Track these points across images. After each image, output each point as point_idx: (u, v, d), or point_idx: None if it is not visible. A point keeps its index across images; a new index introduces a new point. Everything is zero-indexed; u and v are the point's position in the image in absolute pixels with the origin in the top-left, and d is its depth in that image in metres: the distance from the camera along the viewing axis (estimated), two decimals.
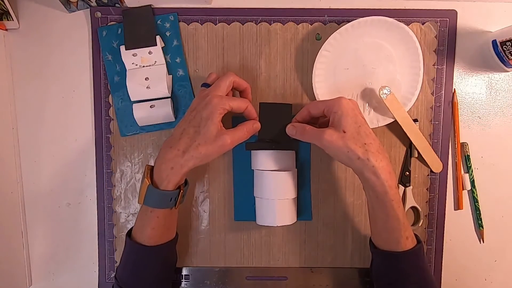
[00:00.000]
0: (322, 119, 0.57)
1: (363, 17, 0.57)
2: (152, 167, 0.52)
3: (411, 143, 0.61)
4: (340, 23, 0.60)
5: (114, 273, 0.57)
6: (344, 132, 0.49)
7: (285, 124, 0.56)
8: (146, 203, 0.51)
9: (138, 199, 0.52)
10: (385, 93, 0.57)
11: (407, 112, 0.60)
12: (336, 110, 0.50)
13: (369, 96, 0.60)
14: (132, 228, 0.55)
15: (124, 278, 0.54)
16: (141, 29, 0.59)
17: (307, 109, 0.54)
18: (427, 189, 0.63)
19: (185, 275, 0.63)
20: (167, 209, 0.52)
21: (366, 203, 0.55)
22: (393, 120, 0.60)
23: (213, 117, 0.50)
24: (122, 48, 0.59)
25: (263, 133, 0.57)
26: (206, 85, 0.55)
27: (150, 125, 0.61)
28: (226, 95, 0.54)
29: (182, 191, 0.53)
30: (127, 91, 0.59)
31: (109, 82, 0.61)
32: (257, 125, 0.55)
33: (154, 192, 0.50)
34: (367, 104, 0.61)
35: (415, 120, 0.61)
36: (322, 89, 0.60)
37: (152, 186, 0.50)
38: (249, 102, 0.55)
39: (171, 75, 0.61)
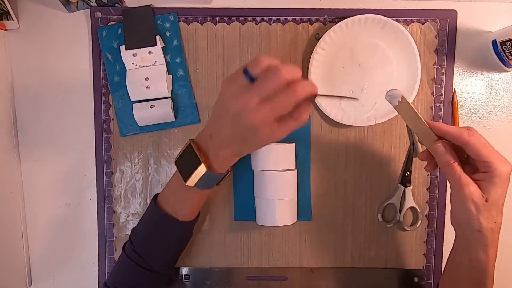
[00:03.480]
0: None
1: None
2: (197, 144, 0.50)
3: (413, 142, 0.61)
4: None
5: (130, 234, 0.56)
6: (486, 201, 0.44)
7: None
8: (197, 186, 0.50)
9: (187, 181, 0.49)
10: (396, 99, 0.48)
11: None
12: (494, 170, 0.44)
13: (366, 94, 0.60)
14: (158, 195, 0.56)
15: (143, 245, 0.54)
16: (141, 29, 0.59)
17: (452, 133, 0.46)
18: (427, 189, 0.63)
19: (185, 275, 0.63)
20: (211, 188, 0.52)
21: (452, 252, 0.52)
22: (391, 118, 0.60)
23: (260, 134, 0.43)
24: (122, 48, 0.59)
25: None
26: (248, 75, 0.41)
27: (150, 125, 0.61)
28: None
29: (230, 171, 0.53)
30: (127, 91, 0.59)
31: (109, 82, 0.61)
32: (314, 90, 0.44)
33: (210, 176, 0.49)
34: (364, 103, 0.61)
35: None
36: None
37: (210, 171, 0.48)
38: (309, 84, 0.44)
39: (171, 75, 0.61)
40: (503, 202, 0.46)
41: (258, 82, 0.41)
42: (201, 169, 0.48)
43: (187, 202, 0.53)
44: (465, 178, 0.45)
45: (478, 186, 0.45)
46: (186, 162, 0.50)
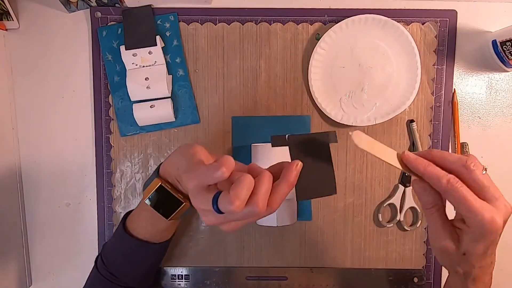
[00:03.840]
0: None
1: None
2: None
3: (413, 142, 0.62)
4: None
5: (99, 254, 0.55)
6: (464, 254, 0.40)
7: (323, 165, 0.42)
8: (179, 218, 0.50)
9: (169, 218, 0.48)
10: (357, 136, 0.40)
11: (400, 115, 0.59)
12: (474, 226, 0.37)
13: (366, 94, 0.60)
14: (126, 216, 0.54)
15: (117, 267, 0.53)
16: (141, 29, 0.59)
17: (431, 172, 0.39)
18: None
19: (185, 275, 0.63)
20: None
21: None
22: (391, 118, 0.60)
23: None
24: (122, 48, 0.59)
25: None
26: (215, 206, 0.37)
27: (150, 125, 0.61)
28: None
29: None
30: (127, 91, 0.59)
31: (109, 82, 0.61)
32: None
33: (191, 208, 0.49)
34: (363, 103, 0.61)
35: (411, 121, 0.61)
36: (319, 87, 0.60)
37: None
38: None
39: (171, 75, 0.61)
40: (494, 247, 0.40)
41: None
42: (184, 207, 0.48)
43: (163, 228, 0.51)
44: (440, 229, 0.40)
45: (458, 235, 0.40)
46: (163, 203, 0.48)
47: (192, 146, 0.45)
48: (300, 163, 0.38)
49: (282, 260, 0.64)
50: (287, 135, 0.41)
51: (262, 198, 0.36)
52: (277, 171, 0.39)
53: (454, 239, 0.40)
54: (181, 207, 0.48)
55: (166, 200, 0.48)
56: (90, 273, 0.55)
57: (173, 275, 0.63)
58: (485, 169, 0.39)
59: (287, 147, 0.43)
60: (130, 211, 0.54)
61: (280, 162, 0.41)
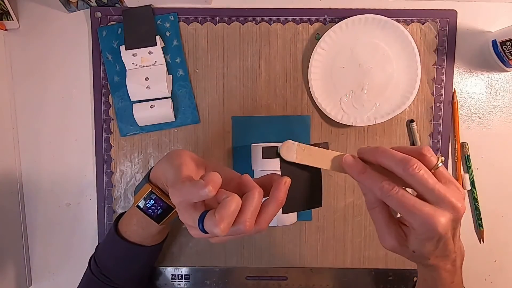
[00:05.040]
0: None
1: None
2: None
3: (413, 142, 0.62)
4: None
5: (93, 255, 0.55)
6: (414, 252, 0.39)
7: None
8: (171, 223, 0.50)
9: (160, 223, 0.49)
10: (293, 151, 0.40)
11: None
12: (419, 231, 0.36)
13: (366, 94, 0.60)
14: (119, 218, 0.54)
15: (111, 270, 0.53)
16: (141, 29, 0.59)
17: (380, 159, 0.38)
18: None
19: (185, 275, 0.63)
20: None
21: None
22: (391, 118, 0.60)
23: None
24: (122, 48, 0.59)
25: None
26: (201, 225, 0.35)
27: (150, 125, 0.61)
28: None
29: None
30: (127, 91, 0.59)
31: (109, 82, 0.61)
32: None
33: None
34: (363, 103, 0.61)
35: (411, 121, 0.61)
36: (319, 87, 0.60)
37: None
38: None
39: (171, 75, 0.61)
40: (451, 240, 0.38)
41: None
42: (175, 213, 0.47)
43: (155, 232, 0.51)
44: (385, 229, 0.39)
45: (406, 234, 0.39)
46: (154, 208, 0.48)
47: (180, 155, 0.42)
48: (288, 180, 0.38)
49: (282, 260, 0.64)
50: (278, 147, 0.40)
51: (250, 217, 0.35)
52: (266, 185, 0.38)
53: (400, 238, 0.39)
54: (172, 212, 0.48)
55: (157, 205, 0.47)
56: (84, 273, 0.55)
57: (173, 275, 0.63)
58: (442, 161, 0.37)
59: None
60: (122, 214, 0.54)
61: (269, 175, 0.40)
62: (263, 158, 0.41)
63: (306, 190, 0.41)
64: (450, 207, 0.35)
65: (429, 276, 0.42)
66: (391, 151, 0.37)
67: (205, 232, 0.34)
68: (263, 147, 0.43)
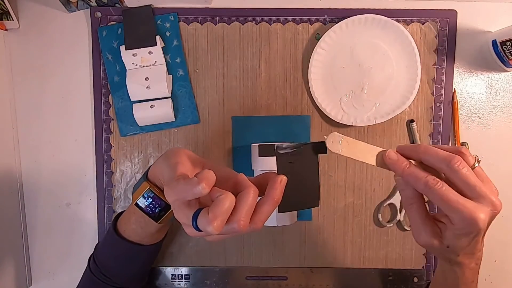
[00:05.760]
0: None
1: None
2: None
3: (413, 142, 0.62)
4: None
5: (92, 255, 0.55)
6: (448, 247, 0.40)
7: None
8: (169, 221, 0.50)
9: (158, 222, 0.48)
10: (338, 143, 0.40)
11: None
12: (459, 226, 0.37)
13: (366, 94, 0.60)
14: (117, 219, 0.54)
15: (110, 269, 0.53)
16: (141, 29, 0.59)
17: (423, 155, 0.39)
18: None
19: (185, 275, 0.63)
20: None
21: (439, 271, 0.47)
22: (391, 118, 0.60)
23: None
24: (122, 48, 0.59)
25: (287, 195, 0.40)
26: (195, 223, 0.35)
27: (150, 125, 0.61)
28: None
29: None
30: (127, 91, 0.59)
31: (109, 82, 0.61)
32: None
33: None
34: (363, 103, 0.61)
35: (411, 121, 0.61)
36: (319, 87, 0.60)
37: None
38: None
39: (171, 75, 0.61)
40: (482, 238, 0.39)
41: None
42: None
43: (154, 231, 0.51)
44: (421, 225, 0.40)
45: (441, 230, 0.40)
46: (152, 207, 0.48)
47: (177, 154, 0.42)
48: (284, 179, 0.37)
49: (282, 260, 0.64)
50: (275, 145, 0.40)
51: (244, 216, 0.34)
52: (263, 184, 0.38)
53: (436, 234, 0.40)
54: (170, 211, 0.48)
55: (155, 204, 0.47)
56: (83, 273, 0.55)
57: (173, 275, 0.63)
58: (478, 161, 0.39)
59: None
60: (121, 213, 0.54)
61: (266, 173, 0.40)
62: (259, 156, 0.41)
63: (303, 189, 0.41)
64: (490, 203, 0.37)
65: (451, 274, 0.43)
66: (434, 149, 0.38)
67: (199, 230, 0.34)
68: (259, 145, 0.42)
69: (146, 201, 0.47)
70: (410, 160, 0.40)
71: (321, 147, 0.41)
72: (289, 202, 0.40)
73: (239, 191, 0.36)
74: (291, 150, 0.40)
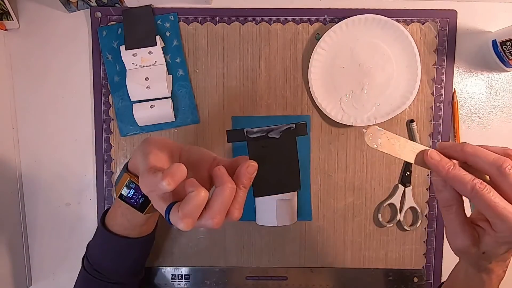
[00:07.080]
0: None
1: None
2: None
3: None
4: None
5: (85, 254, 0.55)
6: (484, 253, 0.38)
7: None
8: (154, 211, 0.49)
9: (144, 212, 0.47)
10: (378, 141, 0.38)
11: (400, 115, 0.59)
12: (502, 234, 0.35)
13: (366, 94, 0.60)
14: (105, 216, 0.53)
15: (103, 265, 0.53)
16: (141, 29, 0.59)
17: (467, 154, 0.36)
18: (427, 189, 0.63)
19: (185, 275, 0.63)
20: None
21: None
22: (391, 118, 0.60)
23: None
24: (122, 48, 0.59)
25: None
26: (167, 217, 0.35)
27: (150, 125, 0.61)
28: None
29: None
30: (127, 91, 0.59)
31: (109, 82, 0.61)
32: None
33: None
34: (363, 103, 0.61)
35: (411, 121, 0.61)
36: (319, 87, 0.60)
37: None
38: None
39: (171, 75, 0.61)
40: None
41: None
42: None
43: (141, 222, 0.50)
44: (458, 230, 0.37)
45: (479, 234, 0.38)
46: (135, 197, 0.46)
47: (150, 143, 0.40)
48: (252, 165, 0.36)
49: (282, 260, 0.64)
50: (245, 129, 0.38)
51: (218, 214, 0.34)
52: (235, 167, 0.37)
53: (473, 239, 0.37)
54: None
55: (138, 194, 0.46)
56: (78, 273, 0.55)
57: (173, 275, 0.63)
58: None
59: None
60: (108, 209, 0.54)
61: (238, 157, 0.39)
62: (227, 141, 0.40)
63: (281, 173, 0.40)
64: None
65: (477, 279, 0.41)
66: (483, 150, 0.36)
67: (169, 222, 0.34)
68: (227, 131, 0.41)
69: (129, 192, 0.46)
70: (453, 160, 0.37)
71: (300, 130, 0.40)
72: (265, 187, 0.39)
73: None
74: (263, 134, 0.39)
